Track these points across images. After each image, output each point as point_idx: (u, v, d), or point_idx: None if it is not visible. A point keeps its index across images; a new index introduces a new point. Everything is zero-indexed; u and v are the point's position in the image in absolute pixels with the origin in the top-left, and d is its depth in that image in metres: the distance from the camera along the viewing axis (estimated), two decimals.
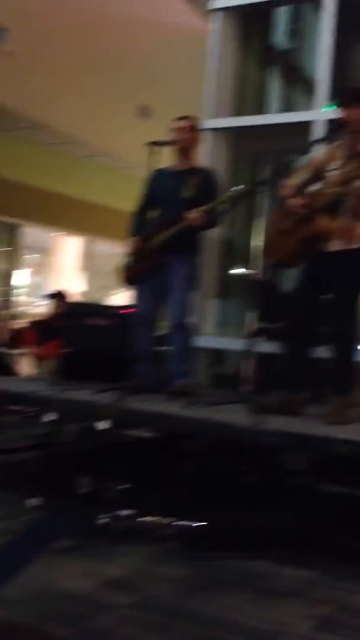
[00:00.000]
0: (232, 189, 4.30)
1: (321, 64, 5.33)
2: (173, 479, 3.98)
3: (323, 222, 3.75)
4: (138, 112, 9.50)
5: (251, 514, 3.66)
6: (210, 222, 4.34)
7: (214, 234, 5.15)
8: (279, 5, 6.30)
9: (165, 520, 3.36)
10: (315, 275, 3.92)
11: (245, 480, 3.99)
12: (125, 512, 3.38)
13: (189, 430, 3.85)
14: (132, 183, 5.38)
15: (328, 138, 4.19)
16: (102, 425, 3.65)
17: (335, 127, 4.00)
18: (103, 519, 3.35)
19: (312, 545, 3.22)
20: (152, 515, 3.43)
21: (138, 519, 3.39)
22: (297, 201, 3.88)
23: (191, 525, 3.38)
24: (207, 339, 5.74)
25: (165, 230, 4.43)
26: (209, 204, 4.29)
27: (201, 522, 3.44)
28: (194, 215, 4.23)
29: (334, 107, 5.07)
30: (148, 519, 3.40)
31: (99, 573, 2.96)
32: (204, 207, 4.24)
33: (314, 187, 4.21)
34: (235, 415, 3.58)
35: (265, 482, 3.83)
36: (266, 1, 5.96)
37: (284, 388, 4.01)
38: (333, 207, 3.75)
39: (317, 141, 4.25)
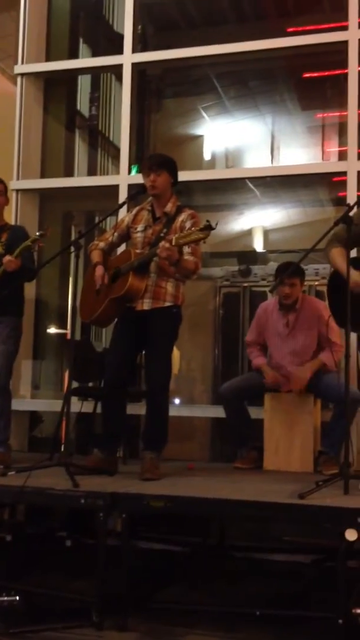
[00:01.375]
0: (37, 233, 4.29)
1: (123, 131, 5.56)
2: None
3: (132, 282, 3.86)
4: None
5: (72, 579, 3.61)
6: (24, 269, 4.26)
7: (27, 294, 5.10)
8: (79, 73, 6.52)
9: None
10: (128, 333, 4.01)
11: (65, 545, 3.94)
12: None
13: (4, 499, 3.73)
14: None
15: (133, 200, 4.35)
16: None
17: (139, 191, 4.17)
18: None
19: (133, 605, 3.22)
20: None
21: None
22: (99, 272, 3.97)
23: (9, 600, 3.24)
24: (23, 402, 5.64)
25: None
26: (25, 259, 4.23)
27: (20, 593, 3.32)
28: (7, 259, 4.15)
29: (137, 172, 5.33)
30: None
31: None
32: (14, 252, 4.18)
33: (122, 248, 4.35)
34: (52, 479, 3.53)
35: (84, 545, 3.80)
36: (66, 69, 6.12)
37: (100, 447, 4.02)
38: (141, 267, 3.88)
39: (123, 204, 4.39)
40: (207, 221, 3.53)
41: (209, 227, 3.51)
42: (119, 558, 3.20)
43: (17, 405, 5.58)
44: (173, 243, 3.63)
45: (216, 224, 3.54)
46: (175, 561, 4.10)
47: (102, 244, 4.14)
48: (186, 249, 3.77)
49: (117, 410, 4.04)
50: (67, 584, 3.60)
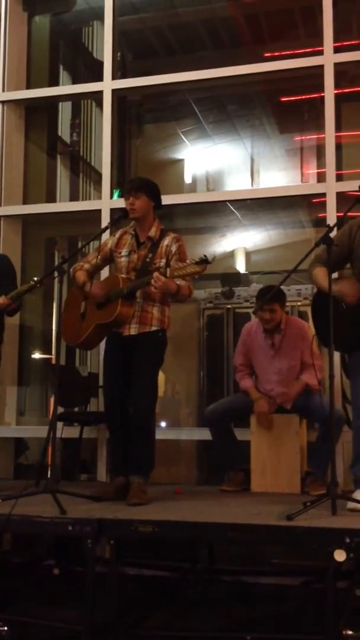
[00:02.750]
0: (35, 278, 4.27)
1: (104, 157, 5.60)
2: None
3: (121, 309, 3.87)
4: None
5: (60, 608, 3.57)
6: (15, 308, 4.27)
7: (12, 320, 5.10)
8: (60, 100, 6.58)
9: None
10: (118, 357, 4.00)
11: (53, 573, 3.90)
12: None
13: None
14: None
15: (115, 225, 4.37)
16: None
17: (121, 215, 4.19)
18: None
19: (122, 633, 3.19)
20: None
21: None
22: (96, 289, 3.97)
23: None
24: (8, 429, 5.60)
25: None
26: (8, 288, 4.22)
27: (8, 623, 3.28)
28: (1, 300, 4.14)
29: (119, 196, 5.36)
30: None
31: None
32: (9, 295, 4.16)
33: (106, 271, 4.36)
34: (38, 506, 3.50)
35: (72, 573, 3.76)
36: (47, 96, 6.17)
37: (123, 473, 3.99)
38: (129, 293, 3.89)
39: (106, 228, 4.40)
40: (205, 256, 3.55)
41: (205, 261, 3.53)
42: (108, 585, 3.17)
43: (1, 432, 5.57)
44: (168, 275, 3.64)
45: (213, 259, 3.56)
46: (164, 587, 4.07)
47: (86, 266, 4.15)
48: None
49: (126, 433, 4.00)
50: (55, 612, 3.56)
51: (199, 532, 3.28)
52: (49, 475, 3.88)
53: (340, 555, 2.90)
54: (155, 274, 3.68)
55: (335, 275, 3.79)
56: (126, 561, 3.92)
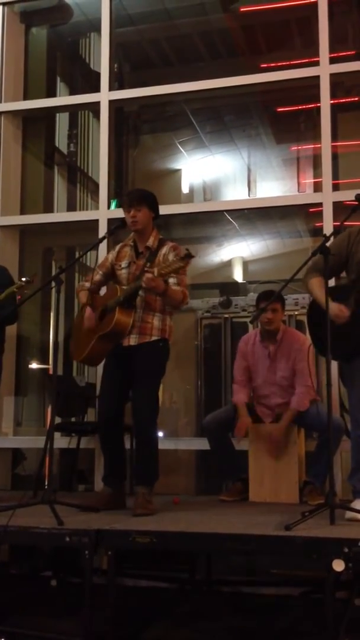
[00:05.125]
0: (23, 279, 4.29)
1: (102, 167, 5.62)
2: None
3: (119, 317, 3.86)
4: None
5: (58, 619, 3.56)
6: (4, 318, 4.28)
7: (9, 330, 5.11)
8: (57, 111, 6.60)
9: None
10: (117, 369, 3.99)
11: (50, 584, 3.89)
12: None
13: None
14: None
15: (112, 235, 4.37)
16: None
17: (118, 225, 4.19)
18: None
19: None
20: None
21: None
22: (87, 314, 3.96)
23: None
24: (5, 440, 5.59)
25: None
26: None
27: (5, 635, 3.26)
28: None
29: (117, 207, 5.38)
30: None
31: None
32: None
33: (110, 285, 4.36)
34: (36, 517, 3.48)
35: (70, 584, 3.75)
36: (44, 107, 6.19)
37: (107, 484, 3.99)
38: (127, 301, 3.90)
39: (103, 238, 4.41)
40: (187, 249, 3.62)
41: (188, 255, 3.58)
42: (105, 596, 3.15)
43: None
44: (156, 274, 3.67)
45: (196, 253, 3.59)
46: (162, 598, 4.05)
47: (87, 284, 4.15)
48: (172, 280, 3.82)
49: (115, 444, 4.01)
50: (52, 624, 3.54)
51: (197, 542, 3.26)
52: (46, 486, 3.86)
53: (339, 565, 2.88)
54: (147, 274, 3.70)
55: (332, 282, 3.79)
56: (124, 572, 3.91)
